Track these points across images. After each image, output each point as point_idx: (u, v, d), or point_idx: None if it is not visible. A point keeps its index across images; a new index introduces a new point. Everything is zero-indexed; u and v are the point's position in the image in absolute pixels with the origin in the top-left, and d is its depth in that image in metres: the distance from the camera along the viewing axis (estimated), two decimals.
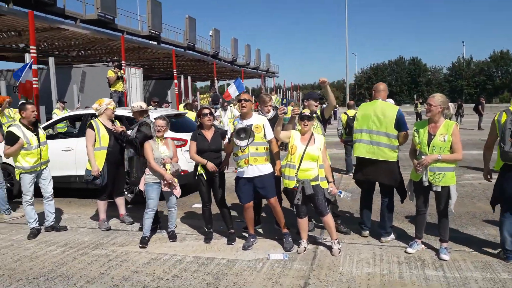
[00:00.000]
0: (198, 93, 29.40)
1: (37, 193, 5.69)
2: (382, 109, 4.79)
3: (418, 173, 4.39)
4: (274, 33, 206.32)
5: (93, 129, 5.64)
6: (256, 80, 63.13)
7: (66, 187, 7.43)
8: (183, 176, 5.62)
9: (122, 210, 6.09)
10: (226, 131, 4.95)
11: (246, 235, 5.03)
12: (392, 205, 4.94)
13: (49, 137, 5.97)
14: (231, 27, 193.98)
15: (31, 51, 9.55)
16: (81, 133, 7.57)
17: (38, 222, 5.64)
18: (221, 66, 33.78)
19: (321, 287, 3.80)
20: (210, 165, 4.85)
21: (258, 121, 4.75)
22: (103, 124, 5.74)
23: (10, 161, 6.28)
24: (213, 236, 5.18)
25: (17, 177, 5.56)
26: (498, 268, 4.09)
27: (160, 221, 5.67)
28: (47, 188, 5.68)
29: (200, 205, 5.40)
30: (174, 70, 20.03)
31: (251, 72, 43.13)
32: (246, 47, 42.55)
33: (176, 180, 5.14)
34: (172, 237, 5.21)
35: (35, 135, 5.52)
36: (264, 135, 4.71)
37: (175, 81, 20.17)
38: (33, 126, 5.55)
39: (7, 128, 5.65)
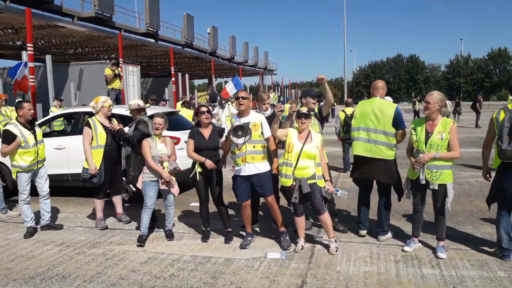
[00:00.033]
0: (195, 90, 29.33)
1: (33, 191, 5.67)
2: (380, 107, 4.77)
3: (415, 171, 4.39)
4: (273, 32, 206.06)
5: (90, 127, 5.62)
6: (254, 78, 63.04)
7: (59, 186, 7.35)
8: (178, 173, 5.61)
9: (119, 209, 6.07)
10: (224, 129, 4.94)
11: (244, 233, 5.03)
12: (389, 204, 4.94)
13: (43, 135, 5.92)
14: (230, 27, 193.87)
15: (28, 48, 9.52)
16: (74, 131, 7.56)
17: (34, 221, 5.62)
18: (219, 64, 33.76)
19: (319, 286, 3.79)
20: (209, 163, 4.83)
21: (255, 119, 4.73)
22: (100, 122, 5.72)
23: (6, 160, 6.26)
24: (210, 235, 5.17)
25: (14, 176, 5.53)
26: (495, 266, 4.09)
27: (157, 220, 5.66)
28: (43, 186, 5.65)
29: (197, 204, 5.39)
30: (172, 67, 19.98)
31: (249, 70, 43.06)
32: (244, 45, 42.48)
33: (174, 178, 5.13)
34: (169, 236, 5.20)
35: (32, 133, 5.50)
36: (262, 133, 4.70)
37: (173, 78, 20.13)
38: (30, 125, 5.52)
39: (4, 126, 5.61)
